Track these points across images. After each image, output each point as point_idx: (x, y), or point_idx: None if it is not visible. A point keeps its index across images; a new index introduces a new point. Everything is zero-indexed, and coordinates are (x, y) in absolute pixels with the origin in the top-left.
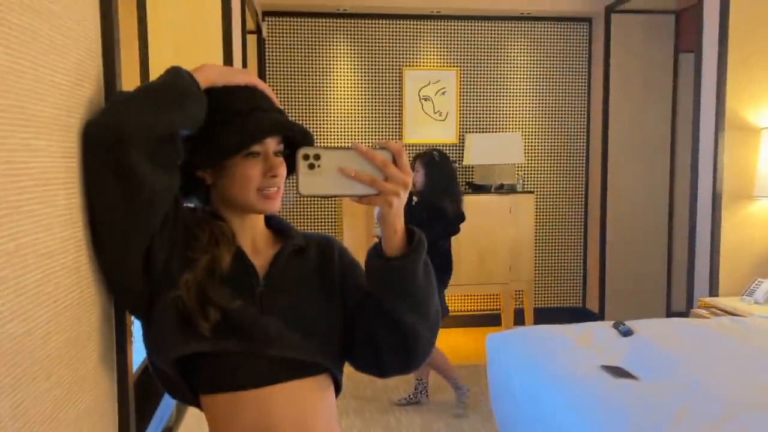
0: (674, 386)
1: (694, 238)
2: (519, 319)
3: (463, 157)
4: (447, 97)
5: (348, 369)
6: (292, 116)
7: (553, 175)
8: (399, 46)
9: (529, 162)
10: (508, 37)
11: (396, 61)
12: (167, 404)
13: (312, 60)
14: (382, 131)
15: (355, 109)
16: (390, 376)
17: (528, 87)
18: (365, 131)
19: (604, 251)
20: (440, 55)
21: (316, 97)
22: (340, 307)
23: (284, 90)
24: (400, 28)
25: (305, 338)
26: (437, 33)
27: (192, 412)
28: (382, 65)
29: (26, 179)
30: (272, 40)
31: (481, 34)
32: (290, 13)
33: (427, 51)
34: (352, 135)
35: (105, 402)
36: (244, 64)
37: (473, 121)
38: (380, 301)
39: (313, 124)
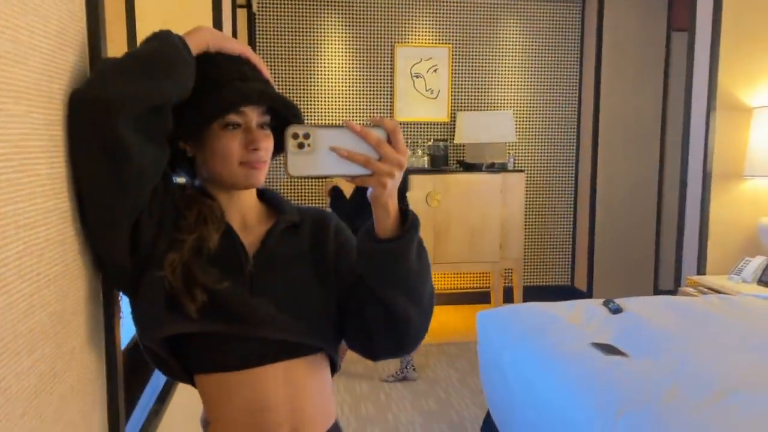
0: (664, 364)
1: (683, 217)
2: (508, 297)
3: (454, 135)
4: (439, 74)
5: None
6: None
7: (544, 153)
8: (391, 23)
9: (521, 140)
10: (500, 14)
11: (388, 38)
12: (158, 381)
13: (303, 35)
14: (373, 109)
15: (346, 86)
16: (381, 360)
17: (520, 65)
18: (356, 108)
19: (593, 230)
20: (432, 31)
21: (307, 73)
22: (333, 287)
23: (275, 66)
24: (391, 3)
25: (297, 318)
26: (429, 9)
27: (182, 389)
28: (374, 41)
29: (4, 146)
30: (263, 15)
31: (473, 10)
32: None
33: (419, 27)
34: (342, 112)
35: (93, 380)
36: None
37: (465, 99)
38: (370, 284)
39: (303, 100)
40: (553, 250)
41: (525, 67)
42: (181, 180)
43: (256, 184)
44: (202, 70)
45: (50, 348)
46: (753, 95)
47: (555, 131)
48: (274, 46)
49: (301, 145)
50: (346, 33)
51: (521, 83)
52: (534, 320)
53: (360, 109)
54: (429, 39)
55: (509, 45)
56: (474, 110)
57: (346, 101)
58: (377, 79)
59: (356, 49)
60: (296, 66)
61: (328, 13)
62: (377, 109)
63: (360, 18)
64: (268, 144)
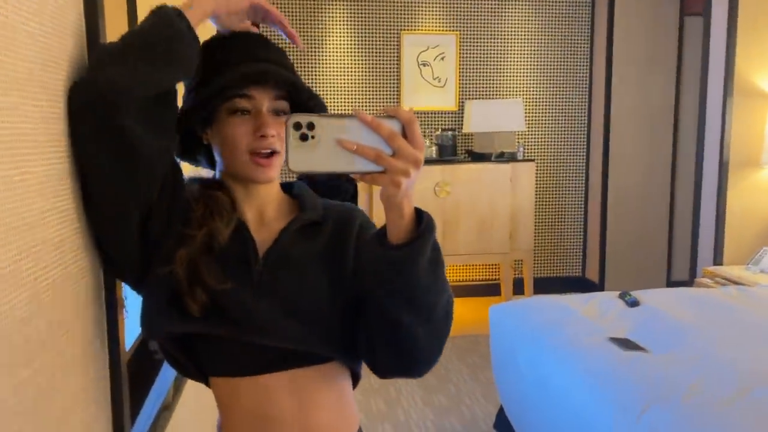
0: (685, 358)
1: (698, 206)
2: (518, 289)
3: (462, 124)
4: (446, 62)
5: None
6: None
7: (555, 142)
8: (397, 9)
9: (530, 130)
10: (508, 1)
11: (394, 25)
12: (165, 381)
13: (308, 23)
14: (379, 97)
15: (352, 75)
16: (387, 378)
17: (529, 52)
18: (362, 97)
19: (605, 220)
20: (439, 18)
21: (313, 62)
22: (350, 291)
23: None
24: None
25: (305, 326)
26: None
27: (190, 388)
28: (380, 29)
29: None
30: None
31: None
32: None
33: (426, 14)
34: (349, 102)
35: (96, 388)
36: None
37: (473, 87)
38: (375, 296)
39: None
40: (564, 241)
41: (534, 55)
42: (203, 172)
43: (266, 180)
44: (210, 52)
45: (50, 358)
46: None
47: (565, 120)
48: (279, 35)
49: (304, 137)
50: (352, 20)
51: (530, 71)
52: (548, 314)
53: (366, 98)
54: (436, 26)
55: (518, 32)
56: (482, 99)
57: (352, 90)
58: (384, 68)
59: (362, 36)
60: (301, 54)
61: (333, 0)
62: (384, 98)
63: (366, 4)
64: (279, 131)
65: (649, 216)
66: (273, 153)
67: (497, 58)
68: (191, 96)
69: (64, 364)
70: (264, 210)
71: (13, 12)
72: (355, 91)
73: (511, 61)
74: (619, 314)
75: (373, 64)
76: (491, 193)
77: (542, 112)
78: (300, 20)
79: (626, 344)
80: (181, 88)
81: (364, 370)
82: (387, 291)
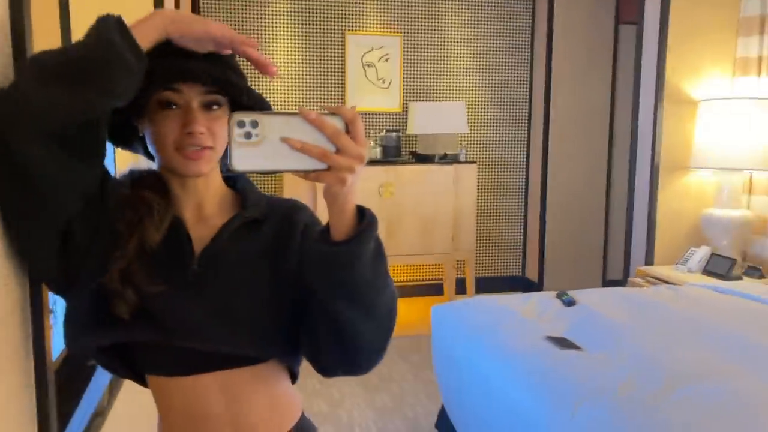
0: (618, 356)
1: (632, 209)
2: (460, 289)
3: (406, 125)
4: (391, 63)
5: None
6: None
7: (496, 145)
8: (342, 10)
9: (473, 132)
10: (451, 4)
11: (339, 25)
12: (98, 386)
13: (251, 21)
14: (324, 97)
15: (296, 74)
16: (332, 376)
17: (472, 55)
18: (306, 98)
19: (544, 221)
20: (384, 20)
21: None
22: (290, 292)
23: None
24: None
25: (238, 328)
26: None
27: (127, 393)
28: (324, 28)
29: None
30: (208, 1)
31: None
32: None
33: (370, 15)
34: (293, 101)
35: (20, 396)
36: None
37: (417, 89)
38: (318, 293)
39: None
40: (505, 241)
41: (477, 58)
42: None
43: (196, 174)
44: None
45: None
46: (699, 88)
47: (506, 123)
48: None
49: (248, 135)
50: (296, 19)
51: (473, 74)
52: (488, 314)
53: (310, 98)
54: (381, 27)
55: (461, 35)
56: (426, 100)
57: (296, 90)
58: (328, 68)
59: (307, 35)
60: None
61: None
62: (328, 98)
63: (311, 3)
64: (211, 126)
65: (586, 217)
66: (203, 148)
67: (441, 60)
68: None
69: None
70: (203, 205)
71: None
72: (300, 90)
73: (454, 64)
74: (557, 314)
75: (317, 63)
76: (434, 195)
77: (484, 115)
78: (243, 18)
79: (562, 343)
80: None
81: (307, 371)
82: (330, 288)
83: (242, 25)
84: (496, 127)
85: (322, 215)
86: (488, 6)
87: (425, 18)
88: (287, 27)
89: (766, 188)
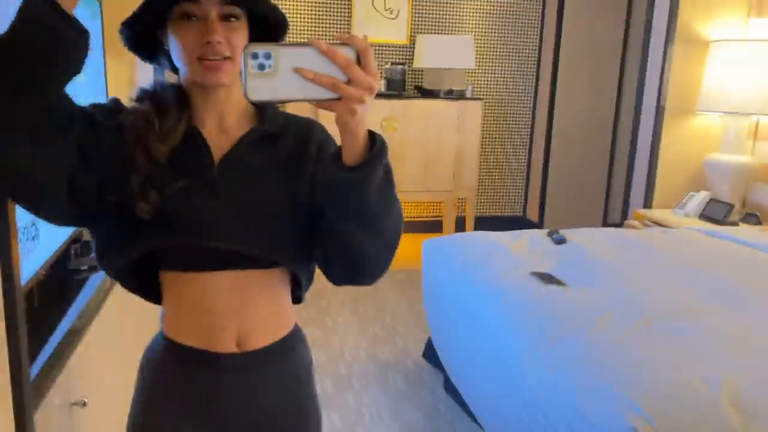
0: (599, 293)
1: (634, 151)
2: (460, 227)
3: (413, 59)
4: None
5: None
6: None
7: (503, 82)
8: None
9: (480, 68)
10: None
11: None
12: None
13: None
14: (329, 28)
15: (299, 4)
16: (341, 285)
17: None
18: (312, 27)
19: (548, 161)
20: None
21: None
22: (304, 203)
23: None
24: None
25: (254, 231)
26: None
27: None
28: None
29: None
30: None
31: None
32: None
33: None
34: (299, 31)
35: None
36: None
37: (425, 21)
38: (329, 214)
39: None
40: (507, 181)
41: None
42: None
43: (216, 84)
44: None
45: None
46: (712, 28)
47: (515, 60)
48: None
49: (261, 66)
50: None
51: (483, 8)
52: (478, 249)
53: (316, 27)
54: None
55: None
56: (434, 33)
57: (301, 19)
58: None
59: None
60: None
61: None
62: (334, 27)
63: None
64: (229, 37)
65: (591, 159)
66: (224, 58)
67: None
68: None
69: None
70: (224, 117)
71: None
72: (305, 19)
73: None
74: (545, 251)
75: None
76: (438, 131)
77: (493, 51)
78: None
79: (546, 279)
80: None
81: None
82: (340, 209)
83: None
84: (505, 64)
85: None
86: None
87: None
88: None
89: None
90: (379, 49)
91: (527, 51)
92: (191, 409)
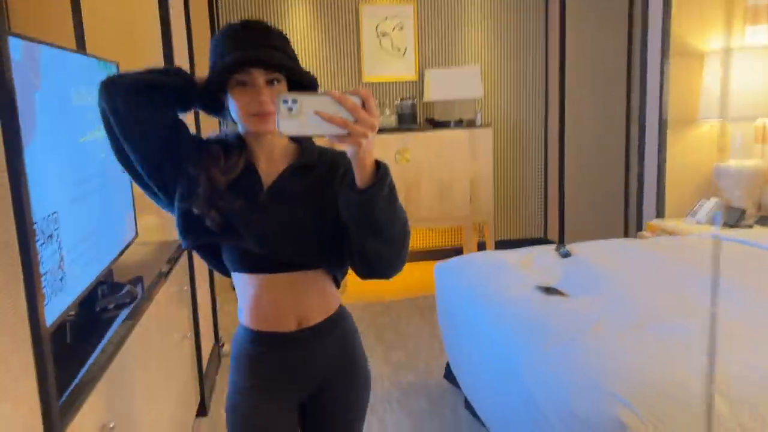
0: (597, 301)
1: (643, 163)
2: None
3: (423, 92)
4: (405, 32)
5: None
6: None
7: (513, 108)
8: None
9: (489, 96)
10: None
11: None
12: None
13: (267, 1)
14: (341, 69)
15: (314, 49)
16: (367, 279)
17: (485, 19)
18: (325, 71)
19: (563, 180)
20: None
21: None
22: (332, 221)
23: None
24: None
25: (299, 243)
26: None
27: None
28: (338, 2)
29: None
30: None
31: None
32: None
33: None
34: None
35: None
36: (186, 4)
37: (432, 56)
38: (349, 228)
39: None
40: (525, 203)
41: (490, 22)
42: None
43: (265, 132)
44: (225, 39)
45: None
46: (705, 40)
47: (523, 85)
48: (237, 9)
49: (290, 109)
50: None
51: (487, 37)
52: (485, 268)
53: (329, 70)
54: None
55: (474, 0)
56: (441, 67)
57: (315, 64)
58: (344, 40)
59: (321, 10)
60: None
61: None
62: (346, 69)
63: None
64: (266, 97)
65: (606, 175)
66: (269, 112)
67: (454, 25)
68: (210, 72)
69: None
70: (272, 154)
71: None
72: (318, 63)
73: (468, 29)
74: (552, 265)
75: (333, 36)
76: (451, 160)
77: (500, 78)
78: None
79: (549, 291)
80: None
81: None
82: (356, 223)
83: (260, 4)
84: (512, 90)
85: None
86: None
87: None
88: (302, 3)
89: None
90: (389, 86)
91: (534, 74)
92: (268, 377)
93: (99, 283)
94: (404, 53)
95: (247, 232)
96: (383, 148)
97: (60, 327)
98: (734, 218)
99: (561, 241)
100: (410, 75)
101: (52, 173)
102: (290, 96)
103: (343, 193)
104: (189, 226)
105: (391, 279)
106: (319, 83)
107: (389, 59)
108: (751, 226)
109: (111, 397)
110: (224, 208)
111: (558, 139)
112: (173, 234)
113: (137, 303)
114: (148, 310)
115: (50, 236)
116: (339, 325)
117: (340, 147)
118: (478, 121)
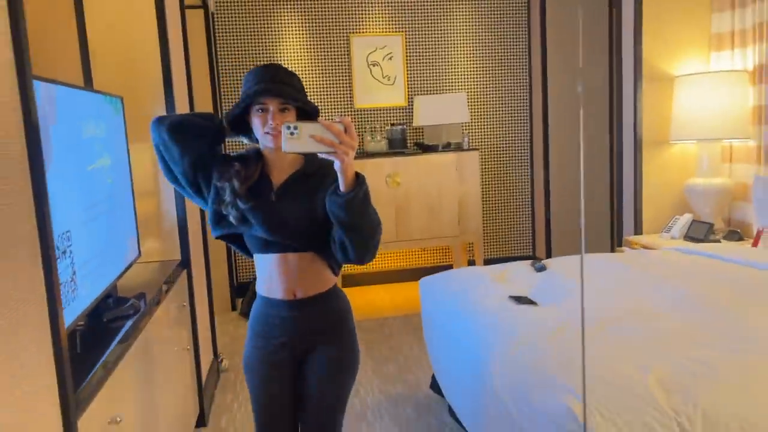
0: (563, 309)
1: (621, 183)
2: None
3: (412, 118)
4: (394, 61)
5: None
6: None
7: (499, 131)
8: (345, 13)
9: (475, 121)
10: (450, 2)
11: (343, 28)
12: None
13: (262, 31)
14: (334, 98)
15: (306, 78)
16: (345, 264)
17: (471, 48)
18: (318, 99)
19: (549, 200)
20: (385, 20)
21: None
22: (321, 217)
23: (235, 63)
24: None
25: (299, 232)
26: None
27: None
28: (330, 33)
29: None
30: (221, 13)
31: None
32: None
33: (372, 17)
34: (311, 97)
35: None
36: (185, 40)
37: (420, 83)
38: (332, 221)
39: None
40: (513, 223)
41: (476, 50)
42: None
43: (276, 147)
44: (251, 75)
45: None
46: (675, 65)
47: (508, 109)
48: (233, 44)
49: (291, 134)
50: (303, 26)
51: (473, 65)
52: (464, 281)
53: (322, 98)
54: (383, 28)
55: (460, 30)
56: (429, 93)
57: (308, 92)
58: (336, 70)
59: (314, 41)
60: (258, 59)
61: (284, 9)
62: (337, 98)
63: (315, 10)
64: (283, 120)
65: (592, 195)
66: (280, 132)
67: (442, 54)
68: (241, 97)
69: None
70: (282, 162)
71: None
72: (312, 92)
73: (454, 57)
74: (526, 278)
75: (326, 66)
76: (440, 182)
77: (486, 103)
78: (254, 29)
79: (520, 300)
80: None
81: None
82: (337, 218)
83: (254, 36)
84: (498, 114)
85: None
86: (485, 1)
87: (425, 16)
88: (296, 34)
89: (745, 156)
90: (380, 113)
91: (518, 99)
92: (272, 334)
93: (106, 296)
94: (394, 81)
95: (259, 223)
96: (375, 171)
97: (71, 335)
98: (703, 233)
99: (549, 258)
100: (400, 101)
101: (65, 197)
102: (292, 124)
103: (329, 196)
104: (218, 220)
105: (365, 265)
106: (319, 110)
107: (380, 87)
108: (719, 240)
109: (118, 396)
110: (242, 207)
111: (543, 159)
112: (173, 255)
113: (141, 314)
114: (150, 321)
115: (64, 252)
116: (330, 300)
117: (329, 160)
118: (465, 145)
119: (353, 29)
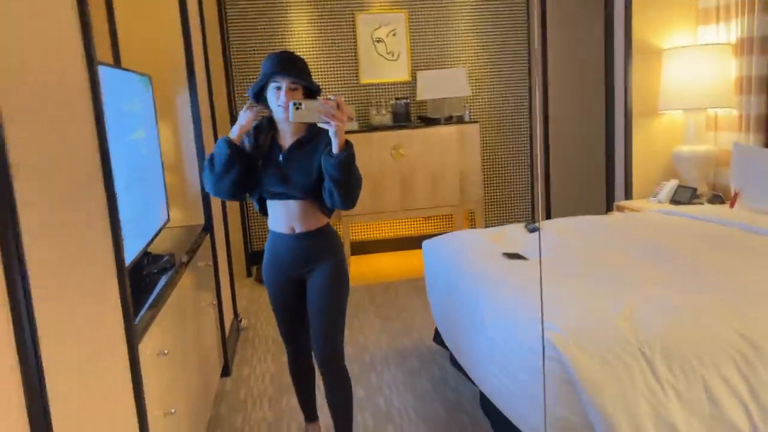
0: (552, 261)
1: (612, 151)
2: None
3: (415, 93)
4: (398, 38)
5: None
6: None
7: (499, 104)
8: None
9: (476, 94)
10: None
11: (348, 6)
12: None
13: (271, 11)
14: (340, 75)
15: (314, 56)
16: (334, 209)
17: (472, 24)
18: (325, 75)
19: (548, 169)
20: None
21: (277, 46)
22: (317, 173)
23: (246, 42)
24: None
25: (300, 185)
26: None
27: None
28: (336, 11)
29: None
30: None
31: None
32: None
33: None
34: (317, 76)
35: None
36: (202, 21)
37: (423, 59)
38: (324, 176)
39: None
40: (513, 191)
41: (477, 26)
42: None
43: (286, 118)
44: (267, 60)
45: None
46: (664, 39)
47: (508, 83)
48: (244, 25)
49: (297, 108)
50: (309, 5)
51: (474, 40)
52: (463, 242)
53: (329, 74)
54: (386, 5)
55: (461, 6)
56: (432, 68)
57: (315, 69)
58: (342, 47)
59: (320, 19)
60: (267, 39)
61: None
62: (344, 73)
63: None
64: (291, 96)
65: (589, 162)
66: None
67: (443, 30)
68: (260, 77)
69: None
70: (292, 131)
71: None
72: (318, 69)
73: (455, 33)
74: (519, 238)
75: (332, 44)
76: (442, 153)
77: (486, 77)
78: (264, 9)
79: (513, 256)
80: None
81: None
82: (329, 174)
83: (264, 16)
84: (498, 88)
85: None
86: None
87: None
88: (303, 14)
89: (728, 125)
90: (385, 88)
91: (518, 71)
92: (281, 257)
93: (144, 253)
94: (398, 57)
95: (270, 179)
96: (380, 144)
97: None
98: (687, 197)
99: None
100: (404, 77)
101: (114, 162)
102: (298, 101)
103: (324, 156)
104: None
105: (349, 210)
106: (322, 88)
107: (384, 63)
108: (702, 203)
109: (164, 333)
110: (260, 169)
111: (542, 130)
112: (197, 220)
113: (175, 269)
114: (183, 276)
115: None
116: (322, 235)
117: (325, 128)
118: (467, 117)
119: (358, 7)
